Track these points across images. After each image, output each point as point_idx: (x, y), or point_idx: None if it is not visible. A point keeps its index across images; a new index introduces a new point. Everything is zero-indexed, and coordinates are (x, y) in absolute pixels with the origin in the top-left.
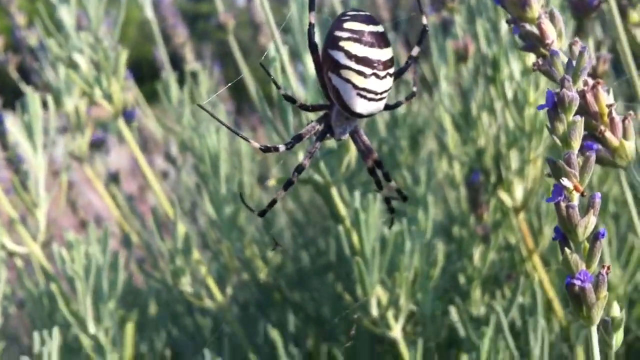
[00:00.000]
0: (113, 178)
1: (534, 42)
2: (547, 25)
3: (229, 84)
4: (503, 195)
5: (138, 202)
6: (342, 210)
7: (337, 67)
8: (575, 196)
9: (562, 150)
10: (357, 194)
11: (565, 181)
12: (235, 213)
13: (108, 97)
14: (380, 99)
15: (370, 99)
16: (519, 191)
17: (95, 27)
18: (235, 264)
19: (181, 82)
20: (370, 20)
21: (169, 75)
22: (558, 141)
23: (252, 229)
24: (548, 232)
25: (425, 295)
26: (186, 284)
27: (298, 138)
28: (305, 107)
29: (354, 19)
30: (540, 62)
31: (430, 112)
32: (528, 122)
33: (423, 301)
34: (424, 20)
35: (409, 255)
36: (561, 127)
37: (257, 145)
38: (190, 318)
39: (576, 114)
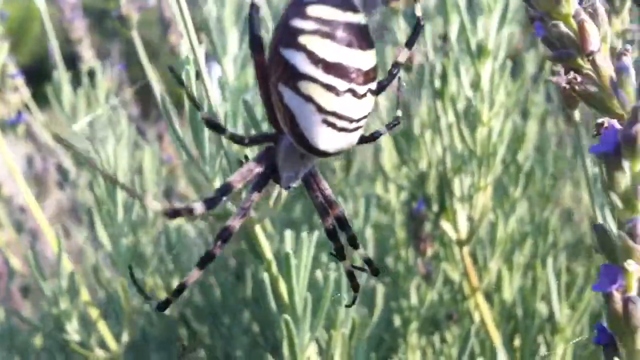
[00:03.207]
0: None
1: (569, 49)
2: (590, 25)
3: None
4: (446, 226)
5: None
6: (268, 253)
7: (294, 76)
8: (634, 283)
9: (622, 216)
10: (288, 234)
11: (631, 265)
12: (135, 244)
13: None
14: (356, 129)
15: (341, 129)
16: (464, 222)
17: None
18: (132, 305)
19: (78, 83)
20: (345, 4)
21: (61, 76)
22: (618, 201)
23: (155, 258)
24: (494, 267)
25: (359, 347)
26: (72, 332)
27: (226, 189)
28: (239, 139)
29: (323, 1)
30: (578, 79)
31: (366, 128)
32: (480, 144)
33: (356, 354)
34: (417, 11)
35: (346, 306)
36: (623, 181)
37: (158, 207)
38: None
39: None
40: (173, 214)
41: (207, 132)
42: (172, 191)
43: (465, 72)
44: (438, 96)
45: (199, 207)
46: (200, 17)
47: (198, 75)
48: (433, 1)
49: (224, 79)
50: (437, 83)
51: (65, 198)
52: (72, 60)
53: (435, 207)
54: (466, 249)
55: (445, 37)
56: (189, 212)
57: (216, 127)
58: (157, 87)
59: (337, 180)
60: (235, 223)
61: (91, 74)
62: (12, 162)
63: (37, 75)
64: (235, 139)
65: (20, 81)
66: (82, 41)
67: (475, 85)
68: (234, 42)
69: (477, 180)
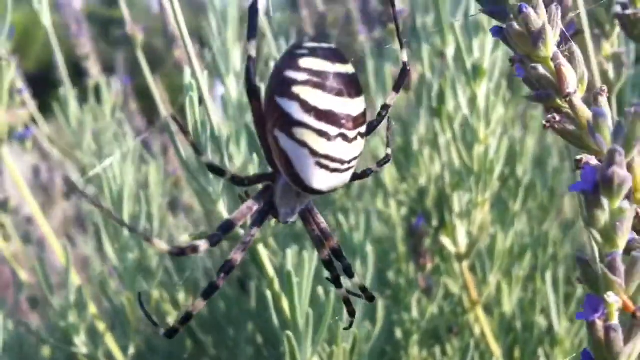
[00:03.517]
0: (2, 205)
1: (548, 90)
2: (567, 68)
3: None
4: (446, 241)
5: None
6: (271, 271)
7: (289, 123)
8: (615, 312)
9: (603, 250)
10: (289, 253)
11: (611, 297)
12: (141, 258)
13: None
14: (348, 169)
15: (333, 170)
16: (463, 237)
17: None
18: (139, 316)
19: (85, 98)
20: (335, 56)
21: (68, 92)
22: (598, 236)
23: (160, 270)
24: (493, 281)
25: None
26: (81, 344)
27: (228, 227)
28: (240, 181)
29: (314, 54)
30: (557, 118)
31: (366, 143)
32: (477, 161)
33: None
34: (404, 57)
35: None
36: (602, 218)
37: (165, 247)
38: None
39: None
40: (179, 252)
41: (210, 153)
42: (178, 202)
43: (462, 92)
44: (436, 114)
45: (202, 245)
46: (203, 32)
47: (201, 101)
48: (430, 21)
49: (227, 97)
50: (435, 102)
51: (71, 207)
52: (77, 67)
53: (434, 222)
54: (465, 263)
55: (442, 57)
56: (193, 250)
57: (217, 171)
58: (162, 105)
59: (339, 196)
60: (237, 256)
61: (97, 87)
62: (18, 177)
63: (43, 82)
64: (235, 180)
65: (27, 95)
66: (89, 57)
67: (472, 104)
68: (236, 60)
69: (475, 196)
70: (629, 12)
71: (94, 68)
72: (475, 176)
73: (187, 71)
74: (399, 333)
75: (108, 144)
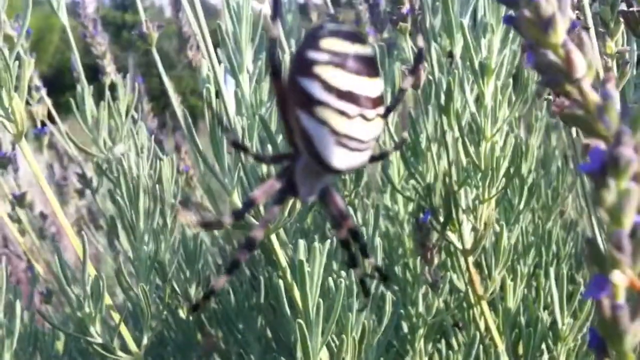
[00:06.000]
0: (19, 200)
1: (558, 76)
2: (576, 54)
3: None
4: (452, 237)
5: (53, 220)
6: (283, 261)
7: (310, 102)
8: (622, 291)
9: (609, 229)
10: (301, 243)
11: (616, 275)
12: (156, 251)
13: (9, 116)
14: (366, 149)
15: (353, 149)
16: (469, 233)
17: None
18: (152, 309)
19: (100, 96)
20: (355, 37)
21: (84, 88)
22: (605, 215)
23: (173, 265)
24: (497, 277)
25: (369, 352)
26: (96, 335)
27: (250, 203)
28: (262, 158)
29: (335, 34)
30: (566, 103)
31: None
32: (484, 158)
33: (366, 359)
34: (420, 42)
35: (356, 312)
36: (609, 197)
37: (194, 220)
38: None
39: None
40: (206, 225)
41: (225, 146)
42: (189, 201)
43: (469, 89)
44: (444, 112)
45: (227, 219)
46: (218, 34)
47: (218, 94)
48: (439, 21)
49: (240, 95)
50: (443, 99)
51: (83, 207)
52: (91, 72)
53: (441, 218)
54: (471, 259)
55: (450, 56)
56: (219, 224)
57: (243, 149)
58: (177, 102)
59: (348, 192)
60: (258, 233)
61: (111, 87)
62: (39, 170)
63: (56, 86)
64: (259, 158)
65: (43, 92)
66: (105, 55)
67: (479, 101)
68: (249, 59)
69: (482, 193)
70: (634, 9)
71: (109, 66)
72: (482, 173)
73: (205, 64)
74: (405, 327)
75: (124, 141)
